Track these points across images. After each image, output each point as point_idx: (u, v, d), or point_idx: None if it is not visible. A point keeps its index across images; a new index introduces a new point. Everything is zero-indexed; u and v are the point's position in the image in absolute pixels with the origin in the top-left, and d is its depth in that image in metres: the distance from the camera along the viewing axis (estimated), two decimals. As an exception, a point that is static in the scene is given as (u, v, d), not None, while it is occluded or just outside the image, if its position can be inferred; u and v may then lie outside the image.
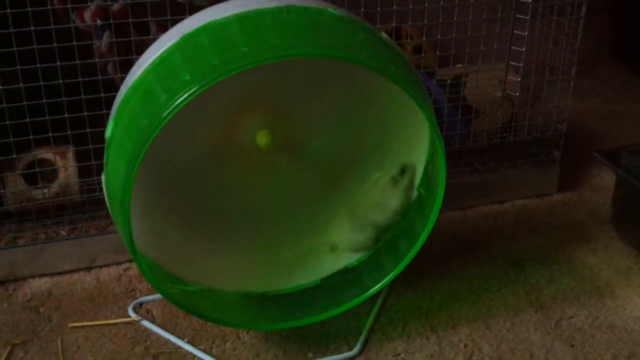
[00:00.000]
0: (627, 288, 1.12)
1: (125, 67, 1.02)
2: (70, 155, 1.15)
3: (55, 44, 1.03)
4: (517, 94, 1.31)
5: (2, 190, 1.13)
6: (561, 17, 1.26)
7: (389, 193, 1.02)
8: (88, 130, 1.10)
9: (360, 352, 0.99)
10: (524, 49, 1.24)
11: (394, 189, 1.02)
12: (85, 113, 1.08)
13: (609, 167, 1.19)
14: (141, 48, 0.96)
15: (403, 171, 1.03)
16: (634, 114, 1.71)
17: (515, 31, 1.24)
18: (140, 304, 1.08)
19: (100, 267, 1.16)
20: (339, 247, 1.06)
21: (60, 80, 1.05)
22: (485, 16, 1.22)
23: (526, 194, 1.36)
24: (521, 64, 1.26)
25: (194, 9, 0.94)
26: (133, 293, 1.10)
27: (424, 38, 1.40)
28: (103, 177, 0.91)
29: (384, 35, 0.92)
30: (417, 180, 1.05)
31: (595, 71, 1.91)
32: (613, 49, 2.01)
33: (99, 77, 1.08)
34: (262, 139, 0.98)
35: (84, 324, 1.04)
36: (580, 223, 1.29)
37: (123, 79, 0.90)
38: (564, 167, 1.37)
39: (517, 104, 1.34)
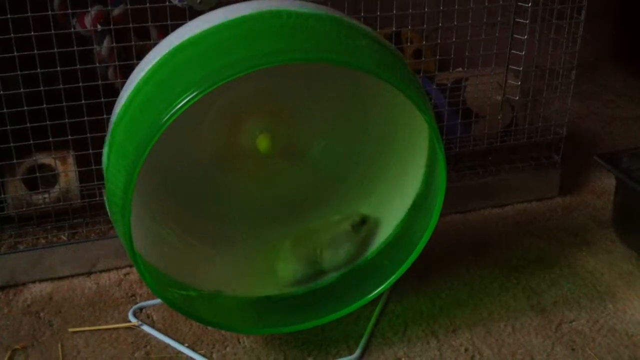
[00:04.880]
0: (628, 292, 1.12)
1: (126, 72, 1.02)
2: (71, 160, 1.16)
3: (55, 49, 1.03)
4: (517, 97, 1.31)
5: (3, 195, 1.13)
6: (561, 21, 1.26)
7: (345, 238, 1.02)
8: (88, 135, 1.10)
9: (361, 356, 0.99)
10: (523, 52, 1.24)
11: (351, 236, 1.03)
12: (86, 118, 1.08)
13: (610, 170, 1.19)
14: (141, 53, 0.96)
15: (363, 221, 1.03)
16: (634, 117, 1.71)
17: (515, 35, 1.24)
18: (141, 309, 1.08)
19: (101, 272, 1.15)
20: (279, 274, 1.04)
21: (61, 85, 1.06)
22: (485, 20, 1.22)
23: (527, 197, 1.36)
24: (521, 68, 1.26)
25: (194, 14, 0.94)
26: (133, 298, 1.10)
27: (424, 42, 1.40)
28: (105, 196, 0.91)
29: (383, 39, 0.92)
30: (378, 240, 1.04)
31: (595, 74, 1.92)
32: (613, 53, 2.01)
33: (100, 82, 1.08)
34: (263, 143, 0.98)
35: (85, 329, 1.03)
36: (581, 227, 1.28)
37: (123, 83, 0.90)
38: (565, 171, 1.37)
39: (517, 108, 1.34)
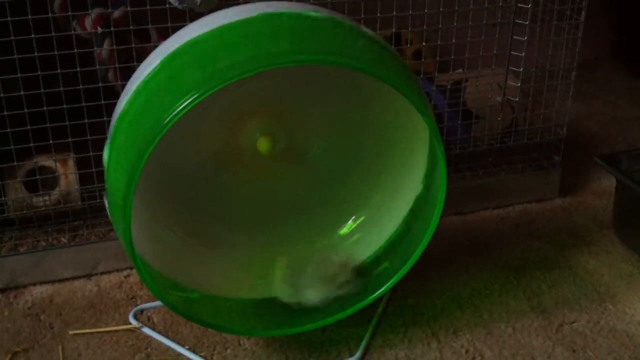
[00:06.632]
0: (628, 293, 1.12)
1: (126, 74, 1.03)
2: (71, 162, 1.15)
3: (56, 52, 1.03)
4: (517, 98, 1.31)
5: (3, 198, 1.13)
6: (561, 22, 1.26)
7: (328, 288, 1.00)
8: (89, 137, 1.10)
9: (362, 358, 0.99)
10: (523, 53, 1.25)
11: (334, 288, 1.00)
12: (86, 120, 1.08)
13: (610, 171, 1.19)
14: (142, 55, 0.96)
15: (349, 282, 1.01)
16: (634, 118, 1.71)
17: (514, 36, 1.24)
18: (141, 311, 1.08)
19: (101, 274, 1.15)
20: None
21: (61, 88, 1.06)
22: (484, 21, 1.22)
23: (527, 198, 1.36)
24: (521, 69, 1.26)
25: (195, 16, 0.94)
26: (134, 300, 1.10)
27: (423, 43, 1.40)
28: (105, 201, 0.91)
29: (383, 40, 0.92)
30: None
31: (595, 75, 1.92)
32: (613, 53, 2.01)
33: (100, 85, 1.08)
34: (263, 145, 0.98)
35: (85, 331, 1.03)
36: (581, 227, 1.29)
37: (124, 86, 0.90)
38: (565, 172, 1.37)
39: (517, 109, 1.34)
